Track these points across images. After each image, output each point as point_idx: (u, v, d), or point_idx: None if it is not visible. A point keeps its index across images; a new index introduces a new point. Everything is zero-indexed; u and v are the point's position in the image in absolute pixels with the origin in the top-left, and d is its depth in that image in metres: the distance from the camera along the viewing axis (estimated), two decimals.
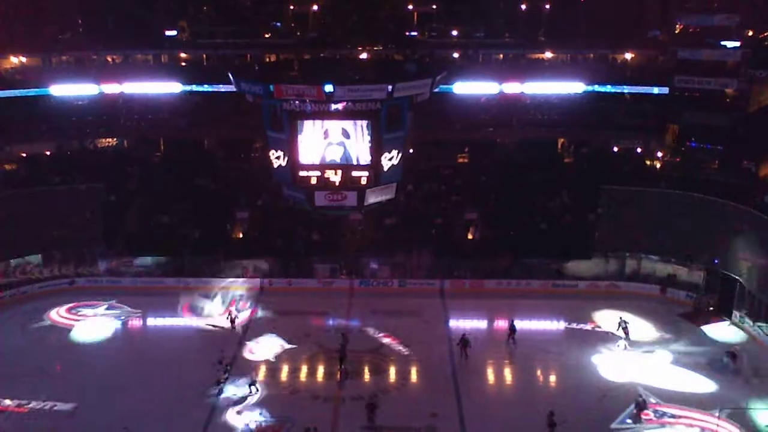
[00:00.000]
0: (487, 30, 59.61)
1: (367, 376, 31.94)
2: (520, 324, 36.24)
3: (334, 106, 28.69)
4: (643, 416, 28.33)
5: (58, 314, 38.04)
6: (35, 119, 50.61)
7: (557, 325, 37.25)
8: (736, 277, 36.75)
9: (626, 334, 34.73)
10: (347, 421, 28.18)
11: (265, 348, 34.25)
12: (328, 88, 27.63)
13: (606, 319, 37.09)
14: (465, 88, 51.71)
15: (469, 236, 44.56)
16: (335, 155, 29.80)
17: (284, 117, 29.19)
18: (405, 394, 30.56)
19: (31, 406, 29.01)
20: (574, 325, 36.40)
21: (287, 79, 31.34)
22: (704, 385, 30.96)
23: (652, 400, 29.20)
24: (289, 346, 34.41)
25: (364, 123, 29.13)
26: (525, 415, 28.59)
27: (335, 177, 29.92)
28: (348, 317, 37.83)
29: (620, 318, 35.49)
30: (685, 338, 35.18)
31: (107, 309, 38.43)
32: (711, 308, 37.37)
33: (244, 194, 47.06)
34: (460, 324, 36.82)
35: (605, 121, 51.37)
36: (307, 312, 38.60)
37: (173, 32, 59.40)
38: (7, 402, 29.00)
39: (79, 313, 38.12)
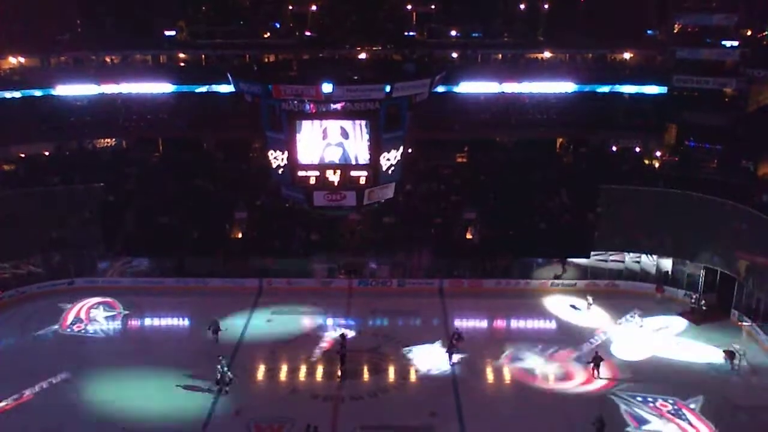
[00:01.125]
0: (485, 30, 59.70)
1: (366, 376, 31.92)
2: (518, 323, 36.47)
3: (332, 106, 28.69)
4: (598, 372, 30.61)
5: (77, 313, 38.13)
6: (34, 120, 50.60)
7: (555, 324, 37.27)
8: (735, 276, 36.81)
9: (588, 307, 38.03)
10: (347, 420, 28.19)
11: None
12: (327, 88, 27.62)
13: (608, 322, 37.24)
14: (465, 87, 51.93)
15: (468, 236, 44.57)
16: (334, 156, 29.81)
17: (283, 117, 29.19)
18: (404, 393, 30.56)
19: (26, 393, 29.46)
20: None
21: (286, 79, 31.32)
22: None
23: (679, 400, 29.24)
24: None
25: (363, 123, 29.13)
26: (524, 413, 28.62)
27: (334, 177, 29.92)
28: (347, 317, 37.84)
29: (587, 297, 38.29)
30: (682, 337, 35.30)
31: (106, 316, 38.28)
32: (704, 307, 37.38)
33: (243, 194, 47.07)
34: (463, 324, 36.98)
35: (604, 121, 51.50)
36: (306, 312, 38.63)
37: (172, 32, 59.46)
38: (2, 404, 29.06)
39: (89, 314, 38.17)
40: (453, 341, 33.28)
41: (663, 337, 35.39)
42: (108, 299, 39.48)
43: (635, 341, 34.82)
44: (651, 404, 29.06)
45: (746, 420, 27.53)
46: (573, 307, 38.70)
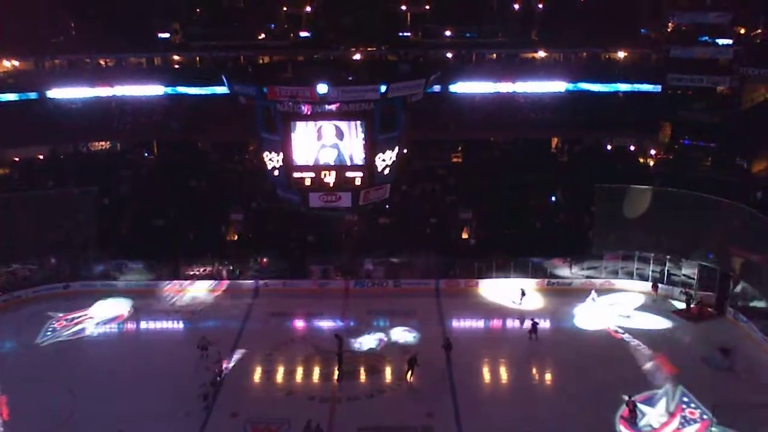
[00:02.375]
0: (480, 30, 59.78)
1: (363, 377, 31.89)
2: (513, 323, 36.57)
3: (328, 107, 28.71)
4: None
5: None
6: (28, 123, 50.48)
7: (550, 323, 37.33)
8: (730, 274, 36.87)
9: (521, 298, 38.80)
10: (344, 421, 28.16)
11: None
12: (322, 89, 27.66)
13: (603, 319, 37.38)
14: (460, 88, 52.07)
15: (464, 236, 44.60)
16: (329, 158, 29.83)
17: (278, 118, 29.21)
18: (401, 394, 30.50)
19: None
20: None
21: (281, 80, 31.40)
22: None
23: (710, 421, 28.29)
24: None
25: (358, 123, 29.17)
26: (522, 413, 28.59)
27: (329, 178, 29.97)
28: (343, 318, 37.81)
29: (521, 288, 39.18)
30: (678, 334, 35.36)
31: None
32: (700, 305, 37.45)
33: (239, 196, 47.05)
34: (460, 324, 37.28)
35: (598, 120, 51.57)
36: (302, 313, 38.61)
37: (166, 35, 59.41)
38: None
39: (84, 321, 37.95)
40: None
41: (619, 311, 37.82)
42: (122, 314, 38.67)
43: (595, 315, 37.44)
44: (683, 405, 28.59)
45: (743, 417, 27.52)
46: (513, 301, 39.23)
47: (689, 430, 27.43)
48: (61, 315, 37.85)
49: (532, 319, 34.99)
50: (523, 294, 38.97)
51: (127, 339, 36.46)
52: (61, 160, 51.85)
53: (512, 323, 36.86)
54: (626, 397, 28.01)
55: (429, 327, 36.47)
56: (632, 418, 27.47)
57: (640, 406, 28.09)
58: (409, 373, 30.78)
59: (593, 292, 39.09)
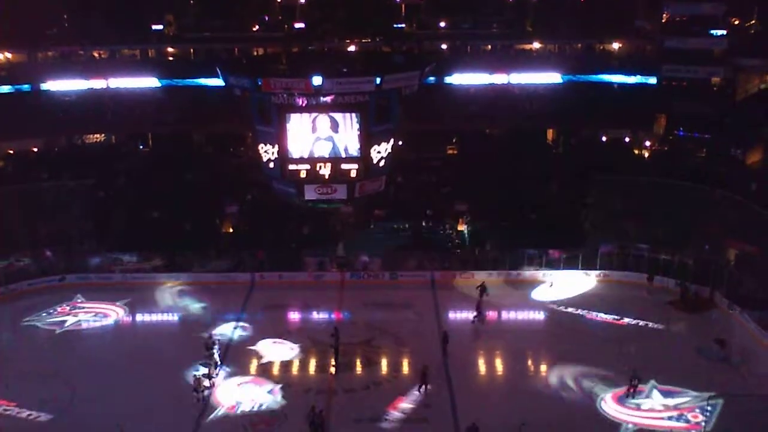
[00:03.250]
0: (475, 21, 59.69)
1: (359, 369, 31.96)
2: (508, 315, 36.63)
3: (323, 99, 28.71)
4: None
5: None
6: (22, 115, 50.25)
7: (547, 315, 37.45)
8: (725, 265, 36.97)
9: (480, 296, 37.37)
10: (341, 413, 28.19)
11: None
12: (317, 80, 27.66)
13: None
14: (455, 79, 52.07)
15: (459, 227, 44.63)
16: (323, 151, 29.81)
17: (273, 110, 29.19)
18: (397, 386, 30.58)
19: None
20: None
21: (275, 72, 31.32)
22: None
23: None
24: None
25: (353, 115, 29.16)
26: (518, 405, 28.67)
27: (325, 170, 29.97)
28: (339, 310, 37.85)
29: (482, 282, 38.20)
30: (673, 326, 35.50)
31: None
32: (694, 296, 37.57)
33: (234, 189, 46.98)
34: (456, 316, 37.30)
35: (593, 111, 51.60)
36: (298, 305, 38.61)
37: (160, 27, 59.15)
38: None
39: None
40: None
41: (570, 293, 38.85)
42: (106, 311, 38.12)
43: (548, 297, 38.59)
44: (696, 408, 28.04)
45: (737, 408, 27.67)
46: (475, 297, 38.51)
47: (675, 425, 27.42)
48: (56, 307, 37.83)
49: (477, 305, 35.69)
50: (484, 290, 37.69)
51: (124, 332, 36.41)
52: (55, 153, 51.74)
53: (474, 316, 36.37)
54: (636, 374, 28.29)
55: (426, 319, 36.60)
56: (629, 393, 27.93)
57: (655, 391, 28.37)
58: (423, 387, 29.73)
59: (549, 276, 39.72)
